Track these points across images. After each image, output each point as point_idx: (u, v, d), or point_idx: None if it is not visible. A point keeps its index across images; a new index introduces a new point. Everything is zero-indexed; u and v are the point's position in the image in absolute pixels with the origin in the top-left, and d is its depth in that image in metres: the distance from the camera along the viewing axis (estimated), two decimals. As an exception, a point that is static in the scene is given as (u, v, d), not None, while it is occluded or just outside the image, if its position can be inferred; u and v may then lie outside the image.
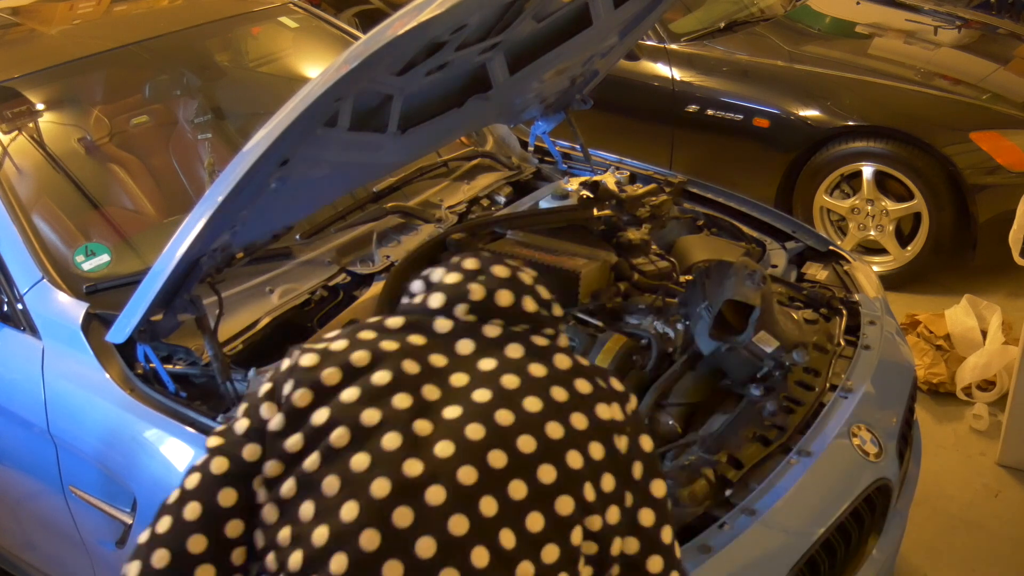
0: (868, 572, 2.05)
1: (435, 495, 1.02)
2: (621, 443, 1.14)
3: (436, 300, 1.22)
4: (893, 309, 2.55)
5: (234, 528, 1.11)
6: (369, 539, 1.01)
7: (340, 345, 1.18)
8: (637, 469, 1.17)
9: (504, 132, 3.10)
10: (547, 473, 1.06)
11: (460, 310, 1.20)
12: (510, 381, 1.12)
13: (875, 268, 4.11)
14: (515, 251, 2.35)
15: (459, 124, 2.47)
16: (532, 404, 1.10)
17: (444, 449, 1.05)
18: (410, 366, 1.12)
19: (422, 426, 1.07)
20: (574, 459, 1.09)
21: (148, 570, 1.13)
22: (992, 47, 4.83)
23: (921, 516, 2.98)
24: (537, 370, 1.15)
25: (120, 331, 1.92)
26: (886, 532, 2.12)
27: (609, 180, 2.82)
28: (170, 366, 2.04)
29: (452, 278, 1.24)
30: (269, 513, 1.10)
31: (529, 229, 2.51)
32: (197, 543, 1.11)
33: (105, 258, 2.25)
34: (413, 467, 1.03)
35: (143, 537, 1.16)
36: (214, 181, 1.64)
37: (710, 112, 4.45)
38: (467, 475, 1.03)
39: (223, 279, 2.13)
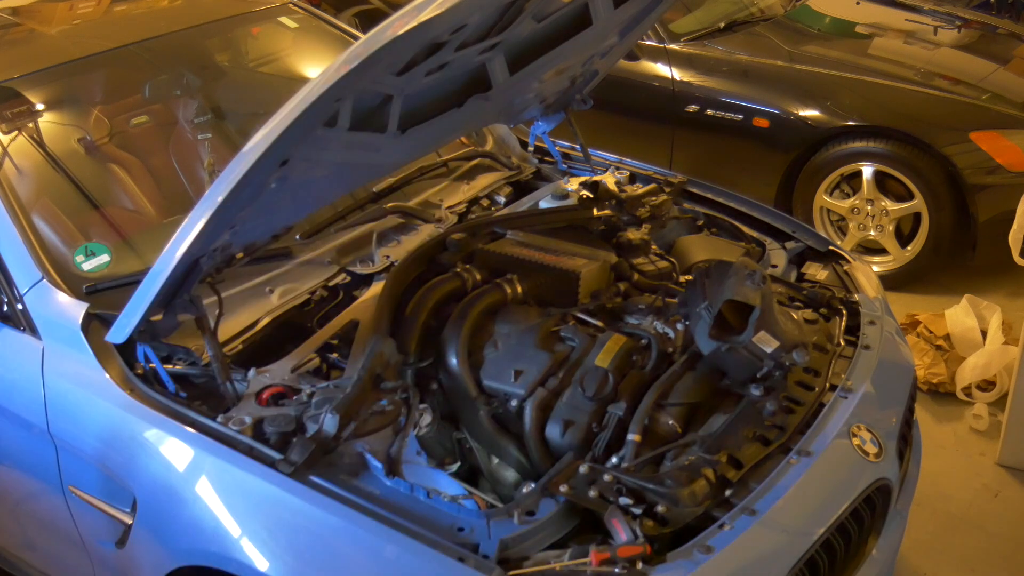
0: (868, 572, 2.05)
1: None
2: None
3: None
4: (893, 309, 2.55)
5: None
6: None
7: None
8: None
9: (504, 132, 3.10)
10: None
11: None
12: None
13: (875, 268, 4.11)
14: (515, 251, 2.35)
15: (459, 124, 2.47)
16: None
17: None
18: None
19: None
20: None
21: None
22: (992, 47, 4.83)
23: (921, 516, 2.98)
24: None
25: (120, 331, 1.92)
26: (886, 532, 2.12)
27: (609, 180, 2.82)
28: (170, 366, 2.04)
29: None
30: None
31: (529, 229, 2.51)
32: None
33: (105, 258, 2.25)
34: None
35: None
36: (214, 181, 1.64)
37: (710, 112, 4.45)
38: None
39: (223, 279, 2.13)
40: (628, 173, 2.95)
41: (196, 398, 1.99)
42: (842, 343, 2.26)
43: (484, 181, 2.88)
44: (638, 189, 2.81)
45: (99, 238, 2.34)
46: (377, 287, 2.32)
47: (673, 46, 4.62)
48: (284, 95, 1.56)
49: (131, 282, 2.01)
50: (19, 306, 2.16)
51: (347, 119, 1.83)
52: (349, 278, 2.38)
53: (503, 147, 3.07)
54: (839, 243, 3.49)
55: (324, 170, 2.01)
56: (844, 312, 2.36)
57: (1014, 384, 3.11)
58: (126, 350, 2.03)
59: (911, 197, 4.06)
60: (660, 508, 1.74)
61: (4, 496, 2.39)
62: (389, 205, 2.61)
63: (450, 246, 2.40)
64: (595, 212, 2.61)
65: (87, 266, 2.23)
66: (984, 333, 3.71)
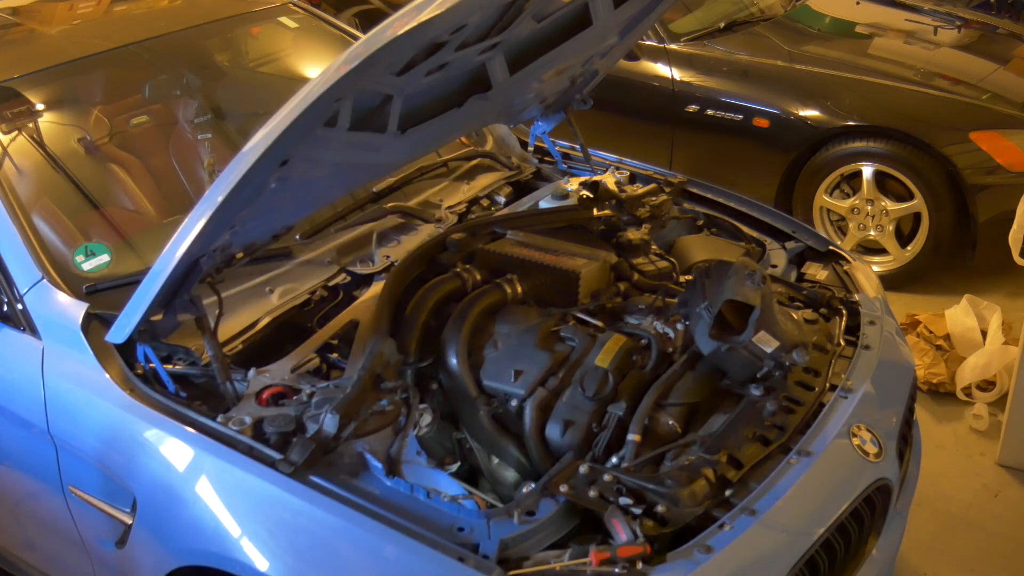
0: (868, 572, 2.05)
1: None
2: None
3: None
4: (893, 309, 2.55)
5: None
6: None
7: None
8: None
9: (504, 132, 3.10)
10: None
11: None
12: None
13: (875, 268, 4.11)
14: (515, 251, 2.35)
15: (459, 124, 2.47)
16: None
17: None
18: None
19: None
20: None
21: None
22: (992, 47, 4.83)
23: (921, 516, 2.98)
24: None
25: (120, 331, 1.92)
26: (886, 532, 2.12)
27: (609, 180, 2.82)
28: (170, 366, 2.04)
29: None
30: None
31: (529, 229, 2.51)
32: None
33: (105, 258, 2.25)
34: None
35: None
36: (214, 181, 1.64)
37: (710, 112, 4.45)
38: None
39: (223, 279, 2.13)
40: (628, 173, 2.95)
41: (196, 398, 1.99)
42: (842, 343, 2.26)
43: (484, 181, 2.88)
44: (638, 189, 2.81)
45: (99, 238, 2.34)
46: (377, 287, 2.32)
47: (673, 46, 4.61)
48: (284, 95, 1.55)
49: (131, 282, 2.01)
50: (19, 306, 2.16)
51: (347, 119, 1.83)
52: (349, 278, 2.38)
53: (503, 147, 3.07)
54: (839, 243, 3.49)
55: (324, 170, 2.01)
56: (844, 312, 2.36)
57: (1014, 384, 3.11)
58: (126, 350, 2.03)
59: (911, 197, 4.06)
60: (660, 508, 1.74)
61: (4, 496, 2.39)
62: (389, 205, 2.61)
63: (450, 246, 2.40)
64: (595, 212, 2.61)
65: (87, 266, 2.23)
66: (984, 333, 3.71)
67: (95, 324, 2.08)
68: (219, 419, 1.90)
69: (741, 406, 2.00)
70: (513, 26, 2.01)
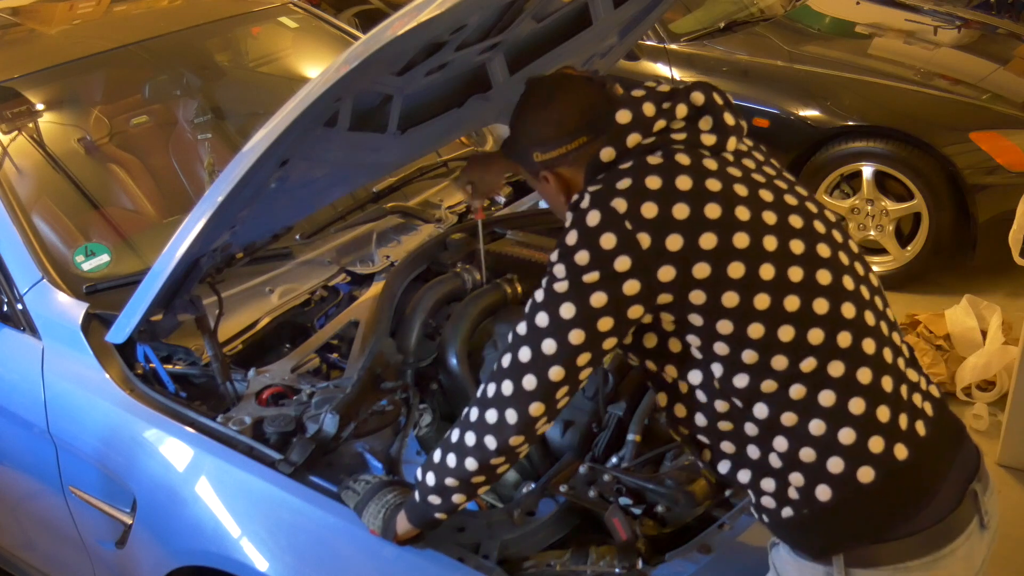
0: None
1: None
2: None
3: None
4: (893, 309, 2.54)
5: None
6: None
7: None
8: None
9: (504, 132, 3.09)
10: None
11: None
12: None
13: (875, 268, 4.11)
14: (515, 251, 2.35)
15: (459, 124, 2.47)
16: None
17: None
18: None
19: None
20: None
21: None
22: (992, 47, 4.83)
23: (921, 516, 2.97)
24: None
25: (120, 331, 1.92)
26: (886, 532, 2.11)
27: (609, 180, 2.81)
28: (170, 366, 2.04)
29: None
30: None
31: (529, 229, 2.51)
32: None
33: (105, 258, 2.25)
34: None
35: None
36: (214, 181, 1.64)
37: (710, 112, 4.44)
38: None
39: (223, 279, 2.13)
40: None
41: (196, 398, 1.99)
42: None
43: (484, 181, 2.87)
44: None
45: (99, 238, 2.34)
46: (377, 287, 2.32)
47: (673, 46, 4.61)
48: (284, 95, 1.55)
49: (131, 282, 2.01)
50: (19, 306, 2.16)
51: (347, 119, 1.83)
52: (349, 278, 2.38)
53: (503, 147, 3.07)
54: (839, 243, 3.49)
55: (324, 170, 2.01)
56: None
57: (1014, 384, 3.11)
58: (126, 350, 2.03)
59: (911, 197, 4.06)
60: (660, 508, 1.74)
61: (4, 496, 2.39)
62: (389, 205, 2.61)
63: (450, 246, 2.40)
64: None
65: (87, 266, 2.23)
66: (984, 333, 3.71)
67: (95, 324, 2.08)
68: (219, 419, 1.90)
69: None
70: (513, 26, 2.01)
